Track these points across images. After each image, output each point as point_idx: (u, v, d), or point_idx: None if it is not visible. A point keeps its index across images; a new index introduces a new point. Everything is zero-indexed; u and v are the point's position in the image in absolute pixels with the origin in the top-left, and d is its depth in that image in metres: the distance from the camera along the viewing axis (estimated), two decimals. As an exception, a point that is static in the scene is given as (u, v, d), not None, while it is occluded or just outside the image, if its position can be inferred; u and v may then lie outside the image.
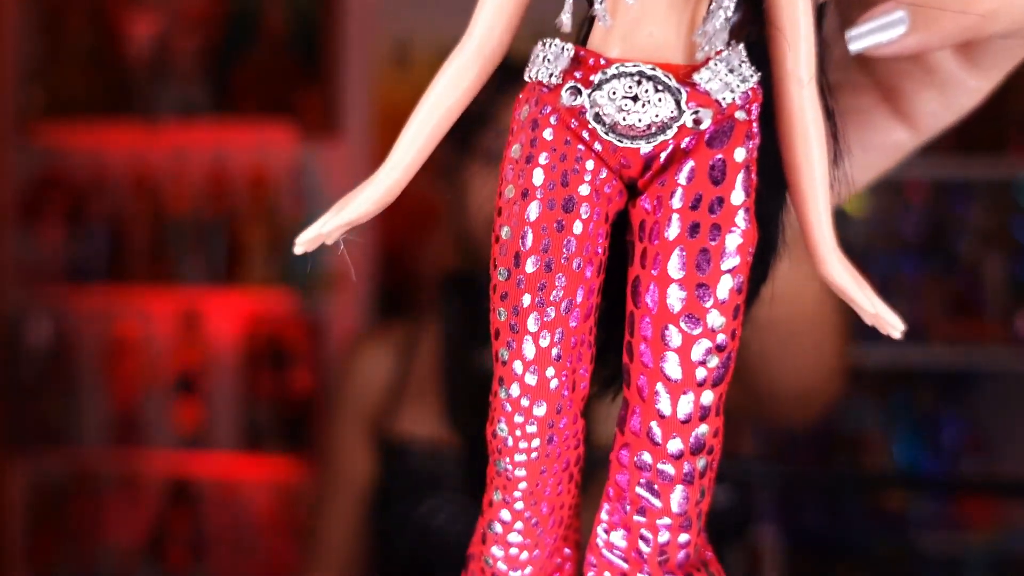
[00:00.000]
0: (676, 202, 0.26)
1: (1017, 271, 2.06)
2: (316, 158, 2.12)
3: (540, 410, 0.27)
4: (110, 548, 2.22)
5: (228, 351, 2.21)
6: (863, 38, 0.30)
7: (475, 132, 0.98)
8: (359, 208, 0.28)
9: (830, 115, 0.28)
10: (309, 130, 2.09)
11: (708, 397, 0.26)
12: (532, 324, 0.27)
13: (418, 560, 0.97)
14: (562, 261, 0.27)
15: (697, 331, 0.26)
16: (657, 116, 0.25)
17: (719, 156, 0.26)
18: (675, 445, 0.26)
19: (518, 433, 0.27)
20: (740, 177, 0.26)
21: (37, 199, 2.23)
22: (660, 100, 0.25)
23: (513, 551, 0.29)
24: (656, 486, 0.27)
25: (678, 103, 0.25)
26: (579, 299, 0.27)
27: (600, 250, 0.27)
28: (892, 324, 0.28)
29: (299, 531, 2.13)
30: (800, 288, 0.59)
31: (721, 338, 0.26)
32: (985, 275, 2.07)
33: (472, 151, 0.99)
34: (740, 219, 0.26)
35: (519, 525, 0.29)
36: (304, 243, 0.28)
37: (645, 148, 0.26)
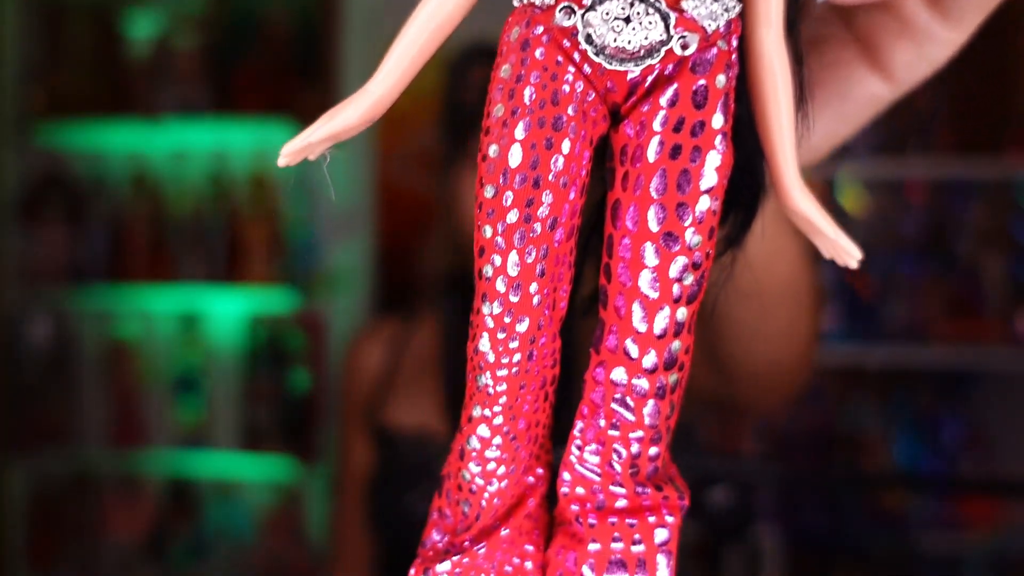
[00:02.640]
0: (658, 125, 0.27)
1: (1017, 271, 2.06)
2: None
3: (522, 326, 0.28)
4: (110, 548, 2.22)
5: (228, 351, 2.21)
6: None
7: (469, 132, 0.98)
8: (347, 119, 0.28)
9: (799, 60, 0.30)
10: (309, 130, 2.09)
11: (682, 314, 0.27)
12: (518, 240, 0.27)
13: (408, 546, 0.98)
14: (549, 178, 0.27)
15: (676, 248, 0.27)
16: (647, 39, 0.26)
17: (702, 81, 0.27)
18: (650, 360, 0.28)
19: (500, 349, 0.28)
20: (720, 103, 0.27)
21: (37, 199, 2.23)
22: (651, 23, 0.26)
23: (491, 466, 0.30)
24: (630, 400, 0.28)
25: (667, 27, 0.26)
26: (563, 218, 0.28)
27: (584, 172, 0.28)
28: (849, 252, 0.29)
29: (299, 531, 2.13)
30: (776, 254, 0.60)
31: (697, 255, 0.27)
32: (985, 275, 2.07)
33: (466, 151, 0.99)
34: (719, 142, 0.27)
35: (497, 440, 0.29)
36: (289, 154, 0.28)
37: (633, 72, 0.27)
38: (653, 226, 0.27)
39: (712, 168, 0.27)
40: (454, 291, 0.95)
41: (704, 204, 0.27)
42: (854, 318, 2.06)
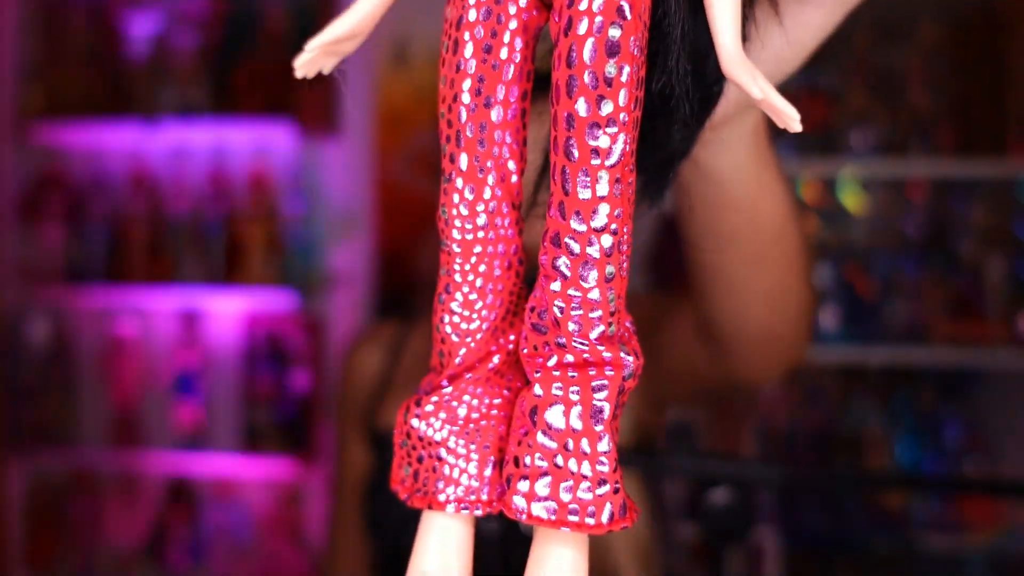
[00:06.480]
0: (569, 6, 0.30)
1: (1019, 271, 2.06)
2: (316, 157, 2.12)
3: (469, 193, 0.32)
4: (110, 548, 2.22)
5: (228, 351, 2.21)
6: None
7: None
8: (339, 27, 0.34)
9: None
10: (309, 129, 2.09)
11: (605, 177, 0.30)
12: (462, 117, 0.32)
13: (403, 548, 0.98)
14: (482, 63, 0.32)
15: (595, 113, 0.29)
16: None
17: None
18: (578, 222, 0.30)
19: (454, 212, 0.33)
20: None
21: (37, 199, 2.23)
22: None
23: (456, 319, 0.34)
24: (567, 259, 0.31)
25: None
26: (497, 96, 0.32)
27: (519, 57, 0.32)
28: (789, 115, 0.31)
29: (298, 531, 2.13)
30: (761, 197, 0.59)
31: (623, 116, 0.29)
32: (986, 275, 2.06)
33: None
34: (618, 13, 0.29)
35: (459, 295, 0.34)
36: (302, 66, 0.34)
37: None
38: (570, 94, 0.29)
39: (615, 38, 0.29)
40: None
41: (611, 71, 0.29)
42: (855, 318, 2.05)
